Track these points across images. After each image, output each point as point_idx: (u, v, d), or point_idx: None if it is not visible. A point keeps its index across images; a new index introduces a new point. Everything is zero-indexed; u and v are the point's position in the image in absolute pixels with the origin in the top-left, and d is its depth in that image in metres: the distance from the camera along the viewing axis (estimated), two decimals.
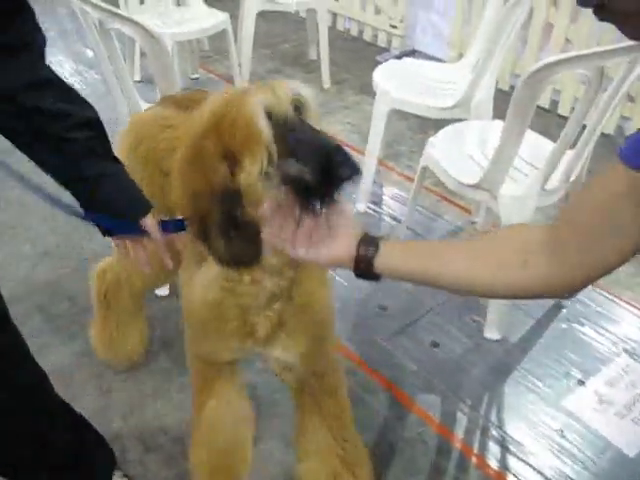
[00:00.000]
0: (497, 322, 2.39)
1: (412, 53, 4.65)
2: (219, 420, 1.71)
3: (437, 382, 2.23)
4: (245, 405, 1.76)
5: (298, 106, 1.16)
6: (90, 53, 4.33)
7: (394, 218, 3.04)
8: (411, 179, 3.28)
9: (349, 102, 4.09)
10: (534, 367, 2.30)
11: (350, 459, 1.76)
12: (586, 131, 2.07)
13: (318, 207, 1.13)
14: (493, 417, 2.13)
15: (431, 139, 2.42)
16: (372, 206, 3.12)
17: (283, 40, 4.93)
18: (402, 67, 3.05)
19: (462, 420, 2.11)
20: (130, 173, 1.44)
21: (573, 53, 1.79)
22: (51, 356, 2.25)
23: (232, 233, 1.16)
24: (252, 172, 1.11)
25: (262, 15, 3.95)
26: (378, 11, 4.75)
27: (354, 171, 1.07)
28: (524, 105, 1.89)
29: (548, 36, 3.87)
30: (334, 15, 5.06)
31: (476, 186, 2.18)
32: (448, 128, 2.50)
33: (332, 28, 4.95)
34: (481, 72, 2.60)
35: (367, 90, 4.13)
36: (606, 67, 1.82)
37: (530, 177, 2.19)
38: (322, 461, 1.74)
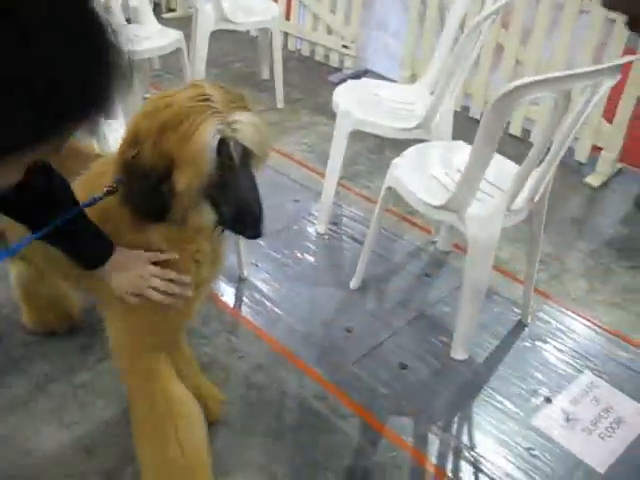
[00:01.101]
0: (463, 342, 2.39)
1: (365, 73, 4.68)
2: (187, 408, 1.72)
3: (407, 405, 2.21)
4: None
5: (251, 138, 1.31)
6: None
7: (354, 239, 3.03)
8: (369, 199, 3.30)
9: (304, 122, 4.08)
10: (501, 386, 2.31)
11: (192, 381, 1.94)
12: (550, 153, 2.11)
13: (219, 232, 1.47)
14: (465, 438, 2.12)
15: (395, 160, 2.42)
16: (332, 227, 3.10)
17: (235, 59, 4.90)
18: (361, 87, 3.06)
19: (434, 442, 2.10)
20: None
21: (541, 76, 1.81)
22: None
23: (152, 202, 1.35)
24: (186, 184, 1.28)
25: (213, 34, 3.91)
26: (330, 31, 4.77)
27: (255, 235, 1.37)
28: (494, 127, 1.91)
29: (498, 57, 3.96)
30: (285, 35, 5.06)
31: (443, 207, 2.19)
32: (411, 149, 2.51)
33: (283, 48, 4.94)
34: (441, 94, 2.63)
35: (321, 110, 4.15)
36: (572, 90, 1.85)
37: (496, 198, 2.21)
38: None
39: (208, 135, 1.24)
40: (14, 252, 1.61)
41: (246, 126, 1.29)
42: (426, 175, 2.36)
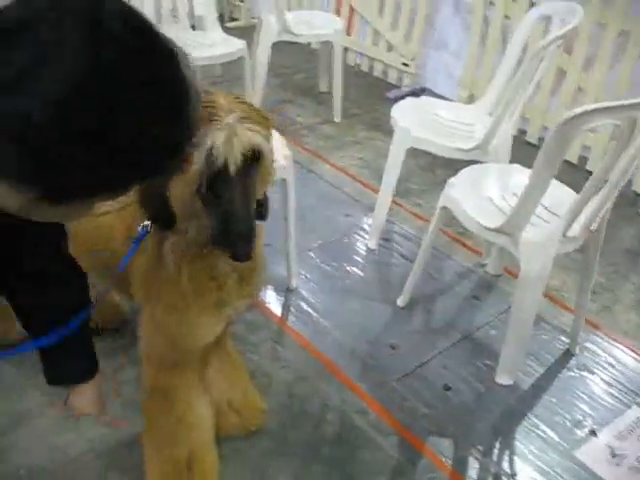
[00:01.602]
0: (508, 367, 2.36)
1: (422, 91, 4.68)
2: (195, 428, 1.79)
3: (448, 426, 2.19)
4: (209, 406, 1.85)
5: (255, 152, 1.26)
6: None
7: (404, 256, 3.02)
8: (420, 217, 3.29)
9: (360, 137, 4.10)
10: (545, 415, 2.27)
11: (237, 403, 2.02)
12: (610, 181, 2.07)
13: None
14: (505, 465, 2.09)
15: (451, 180, 2.42)
16: (383, 243, 3.10)
17: (295, 71, 4.96)
18: (420, 105, 3.06)
19: (474, 466, 2.07)
20: None
21: (607, 103, 1.79)
22: None
23: (159, 206, 1.35)
24: (178, 192, 1.28)
25: (275, 45, 3.97)
26: (390, 48, 4.79)
27: (241, 254, 1.30)
28: (555, 152, 1.89)
29: (559, 81, 3.91)
30: (345, 49, 5.09)
31: (498, 230, 2.17)
32: (467, 169, 2.50)
33: (343, 62, 4.96)
34: (501, 116, 2.62)
35: (377, 126, 4.17)
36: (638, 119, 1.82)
37: (552, 223, 2.19)
38: (217, 388, 1.97)
39: (203, 141, 1.20)
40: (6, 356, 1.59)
41: (246, 138, 1.23)
42: (481, 196, 2.35)
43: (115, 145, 0.71)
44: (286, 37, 3.92)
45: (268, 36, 3.89)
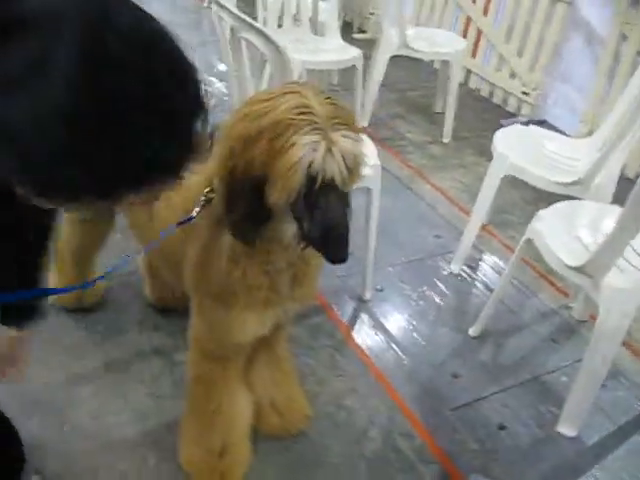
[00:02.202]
0: (573, 418, 2.21)
1: (541, 123, 4.51)
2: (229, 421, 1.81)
3: (495, 467, 2.08)
4: (249, 402, 1.88)
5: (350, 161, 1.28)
6: (223, 67, 4.48)
7: (487, 286, 2.92)
8: (512, 249, 3.15)
9: (466, 161, 4.00)
10: (607, 477, 2.11)
11: (280, 405, 2.02)
12: None
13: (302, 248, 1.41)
14: None
15: (540, 212, 2.31)
16: (467, 269, 3.01)
17: (411, 87, 4.92)
18: (525, 134, 2.95)
19: None
20: None
21: None
22: None
23: (248, 215, 1.35)
24: (276, 198, 1.28)
25: (394, 60, 3.96)
26: (513, 75, 4.66)
27: (339, 259, 1.30)
28: None
29: None
30: (468, 72, 5.01)
31: (579, 269, 2.05)
32: (560, 204, 2.37)
33: (463, 84, 4.90)
34: (609, 152, 2.47)
35: (486, 152, 4.02)
36: None
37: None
38: (261, 387, 1.98)
39: (304, 152, 1.21)
40: None
41: (344, 146, 1.25)
42: (569, 234, 2.22)
43: (111, 146, 0.71)
44: (404, 52, 3.90)
45: (386, 49, 3.88)
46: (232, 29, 2.37)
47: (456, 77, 4.08)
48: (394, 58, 3.96)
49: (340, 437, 2.09)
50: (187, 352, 1.79)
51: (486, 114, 4.71)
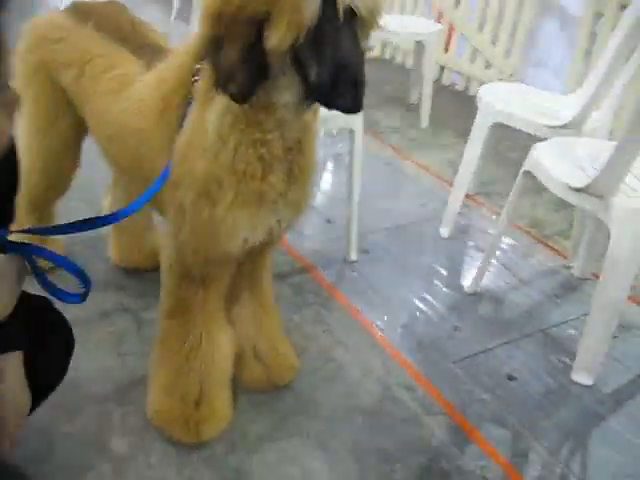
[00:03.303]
0: (589, 364, 2.00)
1: None
2: (208, 361, 1.57)
3: (509, 416, 1.85)
4: (230, 339, 1.63)
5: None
6: None
7: (478, 248, 2.71)
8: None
9: (446, 142, 3.85)
10: (632, 424, 1.88)
11: (264, 354, 1.77)
12: None
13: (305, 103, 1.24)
14: (575, 467, 1.72)
15: (537, 144, 2.13)
16: (458, 235, 2.81)
17: (386, 82, 4.78)
18: (510, 88, 2.80)
19: (535, 463, 1.71)
20: (21, 76, 1.70)
21: None
22: None
23: (242, 63, 1.14)
24: (281, 38, 1.09)
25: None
26: (488, 66, 4.56)
27: (353, 106, 1.12)
28: None
29: None
30: (441, 68, 4.91)
31: (587, 190, 1.86)
32: (557, 138, 2.21)
33: (437, 81, 4.79)
34: (597, 94, 2.33)
35: (467, 133, 3.88)
36: None
37: None
38: (243, 330, 1.74)
39: None
40: None
41: None
42: (570, 162, 2.05)
43: None
44: (378, 35, 3.76)
45: None
46: None
47: (431, 61, 3.95)
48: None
49: (331, 390, 1.85)
50: (157, 308, 1.57)
51: (463, 105, 4.54)
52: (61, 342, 1.33)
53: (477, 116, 2.61)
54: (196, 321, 1.54)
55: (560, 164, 2.02)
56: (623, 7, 3.56)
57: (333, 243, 2.59)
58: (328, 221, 2.79)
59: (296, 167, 1.39)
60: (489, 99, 2.56)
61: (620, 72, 2.35)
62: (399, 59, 5.30)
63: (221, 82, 1.19)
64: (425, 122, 4.03)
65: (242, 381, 1.77)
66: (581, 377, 2.01)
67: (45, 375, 1.25)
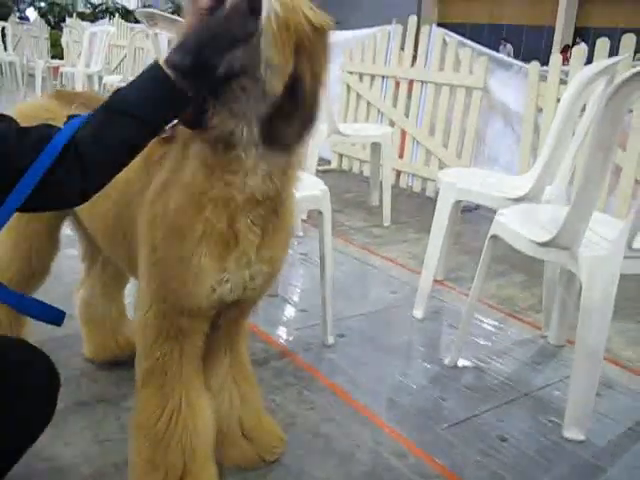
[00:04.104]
0: (578, 419, 1.98)
1: (476, 208, 4.55)
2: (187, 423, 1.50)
3: (507, 474, 1.80)
4: (210, 404, 1.57)
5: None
6: None
7: (454, 327, 2.72)
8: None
9: (409, 238, 3.94)
10: (632, 474, 1.85)
11: (250, 427, 1.72)
12: None
13: None
14: None
15: (500, 210, 2.22)
16: (431, 315, 2.82)
17: (346, 191, 4.93)
18: (467, 172, 2.95)
19: None
20: None
21: None
22: None
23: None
24: None
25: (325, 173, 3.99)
26: (442, 166, 4.76)
27: (177, 61, 1.11)
28: (609, 128, 1.70)
29: (616, 177, 3.73)
30: (398, 173, 5.10)
31: (552, 243, 1.93)
32: (518, 206, 2.30)
33: (395, 186, 4.96)
34: (550, 164, 2.47)
35: (428, 229, 4.01)
36: None
37: (614, 232, 1.93)
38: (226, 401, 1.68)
39: None
40: None
41: None
42: (534, 224, 2.12)
43: None
44: (336, 138, 3.94)
45: (317, 137, 3.92)
46: None
47: (388, 161, 4.13)
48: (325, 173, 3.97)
49: (323, 462, 1.79)
50: (135, 396, 1.54)
51: (422, 206, 4.71)
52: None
53: (439, 197, 2.71)
54: (173, 386, 1.49)
55: (525, 225, 2.10)
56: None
57: (309, 330, 2.58)
58: (303, 310, 2.79)
59: (270, 226, 1.41)
60: (449, 179, 2.68)
61: (566, 148, 2.50)
62: (356, 169, 5.51)
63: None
64: (387, 221, 4.14)
65: (229, 458, 1.70)
66: (573, 433, 1.99)
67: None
